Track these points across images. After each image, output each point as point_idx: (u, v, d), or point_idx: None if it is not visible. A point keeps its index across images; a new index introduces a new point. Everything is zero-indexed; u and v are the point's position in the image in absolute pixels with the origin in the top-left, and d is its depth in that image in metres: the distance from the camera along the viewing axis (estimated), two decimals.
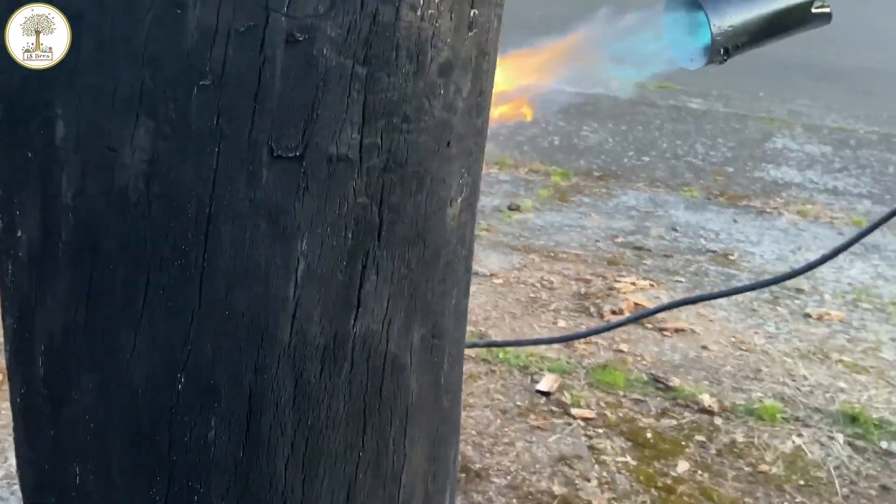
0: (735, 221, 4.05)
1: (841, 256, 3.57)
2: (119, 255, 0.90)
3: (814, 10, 1.28)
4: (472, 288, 3.11)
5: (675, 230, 3.90)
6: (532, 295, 3.22)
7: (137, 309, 0.91)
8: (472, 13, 0.84)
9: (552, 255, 3.57)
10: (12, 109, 0.89)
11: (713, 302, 3.12)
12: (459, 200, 0.97)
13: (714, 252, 3.66)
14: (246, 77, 0.79)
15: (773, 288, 3.26)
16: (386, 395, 0.98)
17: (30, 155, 0.90)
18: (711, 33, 1.23)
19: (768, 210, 4.23)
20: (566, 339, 2.57)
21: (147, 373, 0.93)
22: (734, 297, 3.12)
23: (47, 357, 0.99)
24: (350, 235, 0.89)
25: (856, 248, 3.66)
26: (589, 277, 3.35)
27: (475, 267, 3.21)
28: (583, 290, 3.24)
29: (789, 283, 3.29)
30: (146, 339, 0.92)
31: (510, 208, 4.07)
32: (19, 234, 0.96)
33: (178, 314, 0.90)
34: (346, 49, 0.79)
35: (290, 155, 0.83)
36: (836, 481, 2.23)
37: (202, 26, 0.77)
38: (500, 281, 3.34)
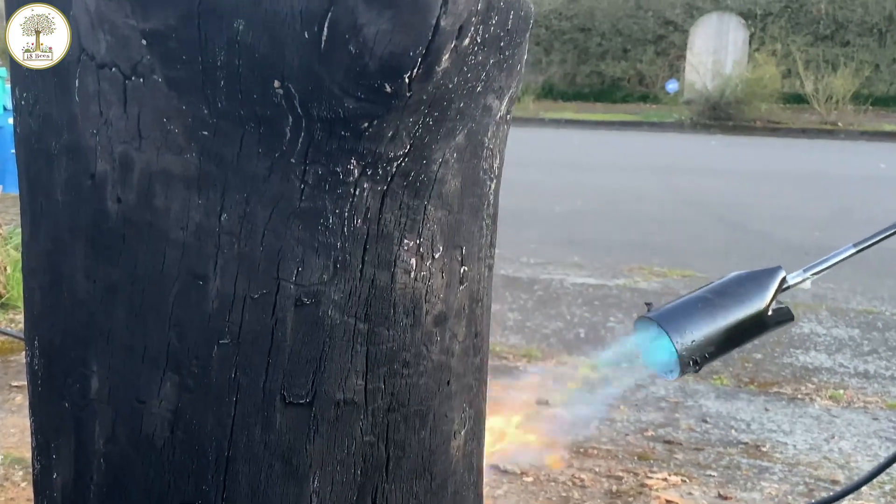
0: (766, 410, 4.02)
1: (876, 444, 3.54)
2: (145, 495, 0.97)
3: (770, 313, 1.38)
4: (503, 488, 3.12)
5: (705, 421, 3.87)
6: (563, 494, 3.19)
7: None
8: (462, 270, 0.94)
9: (582, 450, 3.55)
10: (52, 366, 0.99)
11: (748, 497, 3.07)
12: (463, 432, 1.03)
13: (745, 444, 3.62)
14: (260, 336, 0.88)
15: (808, 480, 3.21)
16: None
17: (66, 405, 0.99)
18: (676, 350, 1.33)
19: (799, 396, 4.19)
20: None
21: None
22: (768, 491, 3.08)
23: None
24: (359, 472, 0.95)
25: (892, 434, 3.63)
26: (620, 474, 3.32)
27: (506, 466, 3.21)
28: (614, 488, 3.21)
29: (824, 474, 3.24)
30: None
31: (539, 403, 4.09)
32: (55, 476, 1.03)
33: None
34: (349, 310, 0.88)
35: (301, 402, 0.91)
36: None
37: (222, 294, 0.87)
38: (531, 479, 3.32)
